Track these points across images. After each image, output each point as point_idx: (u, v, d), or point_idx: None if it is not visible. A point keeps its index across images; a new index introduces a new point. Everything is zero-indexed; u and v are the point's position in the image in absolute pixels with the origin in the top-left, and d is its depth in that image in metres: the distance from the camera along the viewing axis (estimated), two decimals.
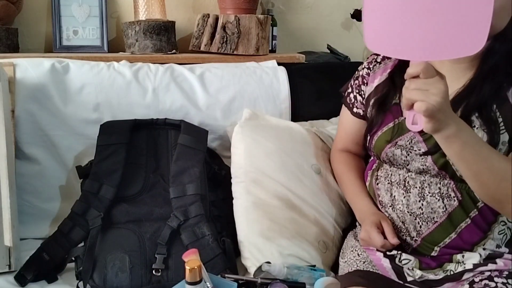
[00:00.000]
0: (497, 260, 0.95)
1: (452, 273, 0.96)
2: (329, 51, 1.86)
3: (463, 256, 0.97)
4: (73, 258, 1.10)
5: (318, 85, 1.51)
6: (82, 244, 1.12)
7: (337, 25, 1.95)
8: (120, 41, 1.66)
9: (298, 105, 1.48)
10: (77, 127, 1.31)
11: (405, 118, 0.95)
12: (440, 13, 0.73)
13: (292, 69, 1.52)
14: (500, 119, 0.92)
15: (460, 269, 0.96)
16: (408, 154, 0.99)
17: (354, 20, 1.89)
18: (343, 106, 1.20)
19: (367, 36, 0.82)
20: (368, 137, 1.08)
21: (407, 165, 1.00)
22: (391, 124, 1.02)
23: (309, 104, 1.49)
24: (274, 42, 1.79)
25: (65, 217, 1.14)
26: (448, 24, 0.73)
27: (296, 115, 1.46)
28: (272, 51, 1.78)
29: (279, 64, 1.54)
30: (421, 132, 0.95)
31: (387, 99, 1.05)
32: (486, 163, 0.84)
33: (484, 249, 0.97)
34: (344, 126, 1.21)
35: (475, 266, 0.95)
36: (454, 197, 0.96)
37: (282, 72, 1.48)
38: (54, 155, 1.31)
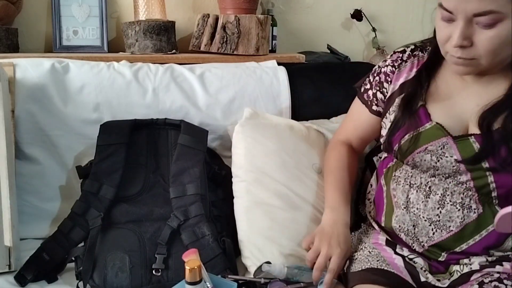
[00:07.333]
0: (504, 263, 0.94)
1: (459, 274, 0.96)
2: (329, 51, 1.86)
3: (469, 260, 0.96)
4: (73, 258, 1.09)
5: (318, 85, 1.51)
6: (82, 244, 1.12)
7: (337, 25, 1.95)
8: (120, 41, 1.66)
9: (298, 105, 1.48)
10: (77, 127, 1.31)
11: (436, 122, 0.96)
12: None
13: (292, 69, 1.51)
14: None
15: (466, 270, 0.95)
16: (438, 160, 0.95)
17: (354, 20, 1.89)
18: (359, 101, 1.16)
19: None
20: (389, 139, 1.03)
21: (437, 170, 0.96)
22: (421, 129, 0.98)
23: (309, 104, 1.49)
24: (274, 42, 1.79)
25: (65, 217, 1.14)
26: None
27: (296, 115, 1.46)
28: (272, 51, 1.78)
29: (279, 64, 1.54)
30: (455, 138, 0.94)
31: (414, 98, 1.01)
32: None
33: (492, 254, 0.96)
34: (355, 121, 1.18)
35: (482, 267, 0.94)
36: (475, 209, 0.94)
37: (282, 72, 1.48)
38: (54, 155, 1.31)
